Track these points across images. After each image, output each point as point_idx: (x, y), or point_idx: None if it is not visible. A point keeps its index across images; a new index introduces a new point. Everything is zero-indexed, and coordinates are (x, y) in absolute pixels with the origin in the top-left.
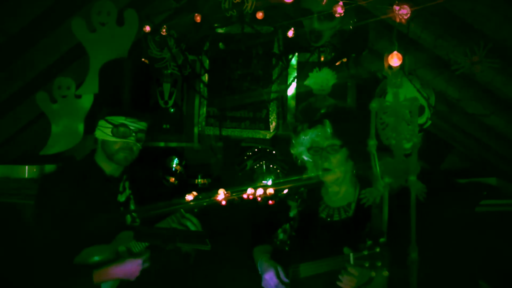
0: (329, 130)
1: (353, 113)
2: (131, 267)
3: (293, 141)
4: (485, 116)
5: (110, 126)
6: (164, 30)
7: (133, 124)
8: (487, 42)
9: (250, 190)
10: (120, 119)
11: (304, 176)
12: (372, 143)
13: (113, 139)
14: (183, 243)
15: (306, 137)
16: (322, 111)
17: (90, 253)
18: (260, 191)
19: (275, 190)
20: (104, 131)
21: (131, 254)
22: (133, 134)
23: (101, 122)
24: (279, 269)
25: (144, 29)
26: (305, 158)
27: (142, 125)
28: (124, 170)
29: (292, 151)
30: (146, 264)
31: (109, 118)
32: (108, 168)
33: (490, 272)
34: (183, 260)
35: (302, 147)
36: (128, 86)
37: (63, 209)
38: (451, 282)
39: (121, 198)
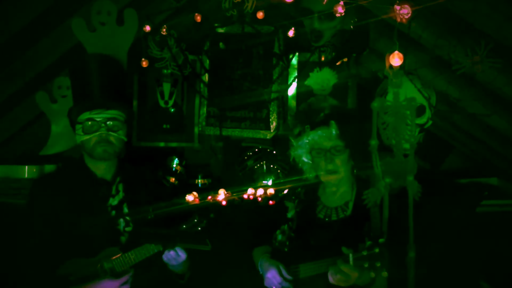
0: (334, 131)
1: (353, 114)
2: (110, 287)
3: (293, 144)
4: (486, 116)
5: (80, 125)
6: (164, 30)
7: (99, 115)
8: (488, 41)
9: (250, 190)
10: (85, 115)
11: (304, 176)
12: (374, 143)
13: (86, 136)
14: (183, 243)
15: (308, 139)
16: (326, 111)
17: (73, 266)
18: (260, 191)
19: (275, 190)
20: (78, 133)
21: (113, 273)
22: (102, 125)
23: (76, 126)
24: (281, 267)
25: (144, 29)
26: (305, 160)
27: (111, 113)
28: (117, 172)
29: (292, 154)
30: (126, 286)
31: (78, 119)
32: (99, 170)
33: (491, 273)
34: (176, 278)
35: (303, 149)
36: (93, 80)
37: (51, 213)
38: (452, 283)
39: (113, 201)
